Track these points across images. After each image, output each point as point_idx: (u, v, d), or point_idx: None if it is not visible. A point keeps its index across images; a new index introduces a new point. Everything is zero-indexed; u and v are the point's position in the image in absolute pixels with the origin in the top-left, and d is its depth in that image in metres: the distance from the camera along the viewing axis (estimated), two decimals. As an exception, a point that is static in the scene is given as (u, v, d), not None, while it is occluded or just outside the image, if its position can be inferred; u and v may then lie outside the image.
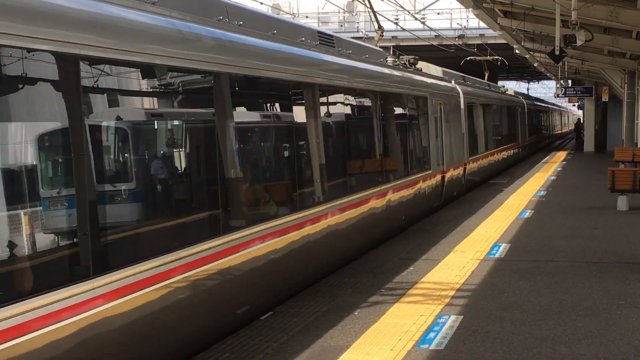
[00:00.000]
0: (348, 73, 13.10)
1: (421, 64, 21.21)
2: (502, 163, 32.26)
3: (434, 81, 20.25)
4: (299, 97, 11.15)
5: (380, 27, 19.88)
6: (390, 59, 17.53)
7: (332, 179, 12.03)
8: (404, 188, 15.70)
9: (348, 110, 13.65)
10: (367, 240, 13.56)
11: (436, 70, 23.20)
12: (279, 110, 11.11)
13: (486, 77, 37.18)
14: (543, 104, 62.59)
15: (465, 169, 22.96)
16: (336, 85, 12.48)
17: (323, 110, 11.91)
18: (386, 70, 15.90)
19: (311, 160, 11.35)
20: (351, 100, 13.73)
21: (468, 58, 37.89)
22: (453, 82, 23.53)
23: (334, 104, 12.96)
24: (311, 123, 11.29)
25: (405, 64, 19.01)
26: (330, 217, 11.51)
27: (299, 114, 11.16)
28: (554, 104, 78.48)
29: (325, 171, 11.63)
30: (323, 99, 11.96)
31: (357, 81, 13.48)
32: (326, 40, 13.10)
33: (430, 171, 18.17)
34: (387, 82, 15.45)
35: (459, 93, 23.03)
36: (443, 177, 19.56)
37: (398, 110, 16.31)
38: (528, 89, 79.34)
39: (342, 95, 13.13)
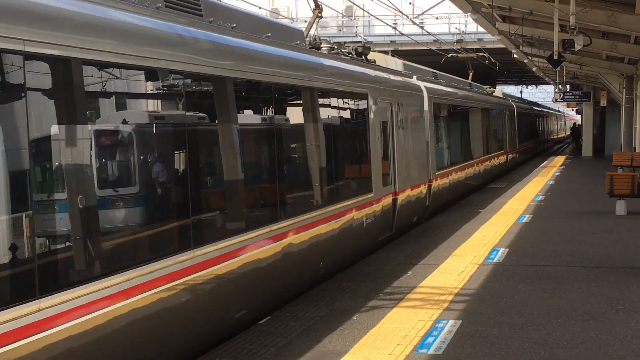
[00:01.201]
0: (213, 55, 8.61)
1: (376, 56, 17.67)
2: (483, 175, 27.64)
3: (380, 74, 15.45)
4: (105, 89, 6.91)
5: (317, 6, 14.98)
6: (325, 46, 13.80)
7: (164, 222, 7.55)
8: (322, 223, 11.11)
9: (216, 109, 8.71)
10: (235, 314, 8.77)
11: (395, 63, 19.04)
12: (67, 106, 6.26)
13: (470, 77, 34.41)
14: (537, 108, 59.18)
15: (430, 186, 18.32)
16: (193, 72, 8.05)
17: (167, 109, 7.94)
18: (294, 55, 11.07)
19: (109, 194, 7.00)
20: (222, 95, 8.82)
21: (450, 55, 35.71)
22: (415, 78, 18.92)
23: (191, 100, 8.24)
24: (129, 131, 7.28)
25: (349, 52, 15.10)
26: (142, 292, 6.80)
27: (101, 117, 7.06)
28: (550, 108, 77.76)
29: (151, 209, 7.49)
30: (166, 93, 7.91)
31: (231, 66, 8.88)
32: (182, 4, 8.80)
33: (372, 194, 13.56)
34: (291, 71, 10.67)
35: (422, 91, 18.37)
36: (395, 201, 14.99)
37: (312, 112, 11.45)
38: (521, 92, 78.97)
39: (202, 87, 8.61)
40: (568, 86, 50.18)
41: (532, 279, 11.00)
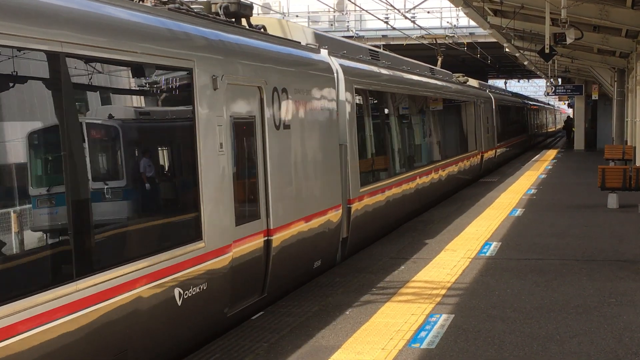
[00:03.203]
0: None
1: (271, 21, 12.94)
2: (447, 184, 21.56)
3: (235, 39, 9.21)
4: None
5: None
6: None
7: None
8: (33, 323, 5.63)
9: None
10: None
11: (304, 33, 13.24)
12: None
13: (438, 63, 30.91)
14: (522, 100, 52.00)
15: (349, 210, 12.76)
16: None
17: None
18: None
19: None
20: None
21: (415, 36, 33.91)
22: (326, 53, 12.73)
23: None
24: None
25: (216, 13, 9.98)
26: None
27: None
28: (538, 100, 75.83)
29: None
30: None
31: None
32: None
33: (202, 244, 7.88)
34: None
35: (333, 72, 12.36)
36: (268, 244, 9.41)
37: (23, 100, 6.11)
38: (505, 83, 78.50)
39: None
40: (560, 80, 50.29)
41: (524, 273, 11.02)
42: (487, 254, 12.46)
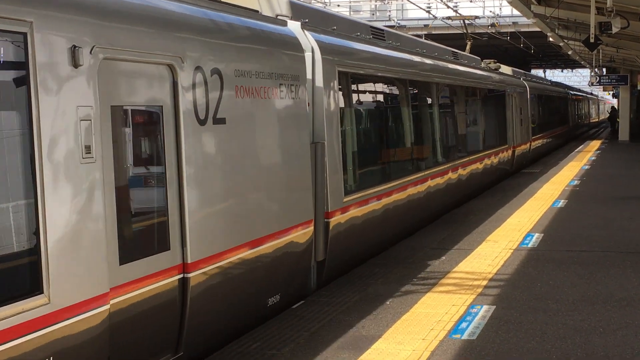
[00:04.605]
0: None
1: None
2: (468, 185, 18.76)
3: None
4: None
5: None
6: None
7: None
8: None
9: None
10: None
11: (278, 3, 10.57)
12: None
13: (467, 48, 29.77)
14: (562, 89, 48.79)
15: (327, 227, 10.06)
16: None
17: None
18: None
19: None
20: None
21: (440, 18, 33.11)
22: (295, 25, 10.08)
23: None
24: None
25: None
26: None
27: None
28: (580, 90, 72.27)
29: None
30: None
31: None
32: None
33: (43, 300, 5.22)
34: None
35: (302, 50, 9.63)
36: (184, 285, 6.90)
37: None
38: (544, 71, 77.01)
39: None
40: (604, 69, 49.60)
41: (567, 265, 10.91)
42: (529, 246, 12.36)
